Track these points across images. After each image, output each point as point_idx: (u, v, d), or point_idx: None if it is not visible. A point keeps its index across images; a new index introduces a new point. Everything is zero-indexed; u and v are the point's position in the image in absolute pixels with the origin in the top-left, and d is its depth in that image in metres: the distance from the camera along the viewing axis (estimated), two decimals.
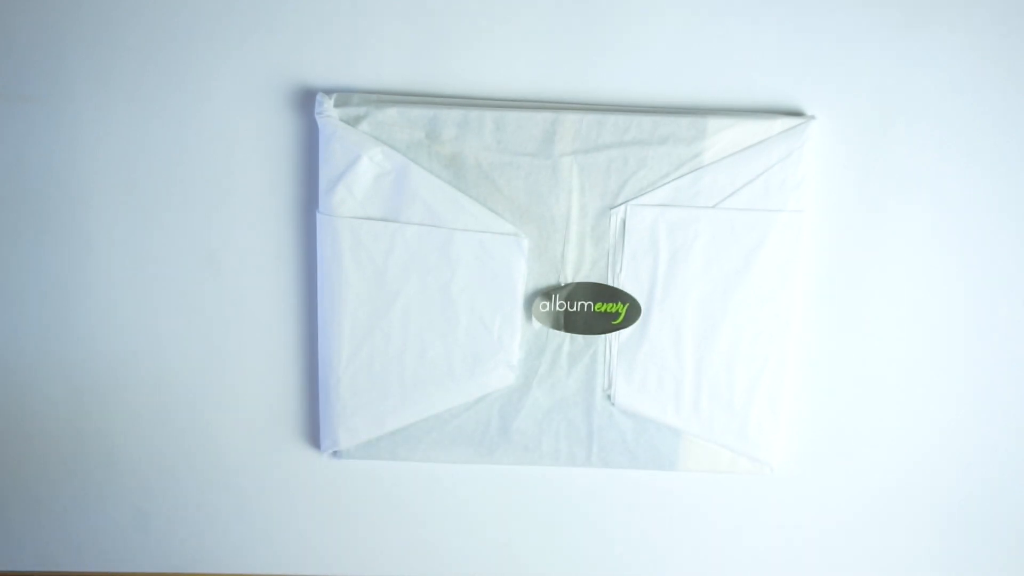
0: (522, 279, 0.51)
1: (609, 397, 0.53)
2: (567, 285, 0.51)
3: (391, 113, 0.48)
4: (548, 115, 0.49)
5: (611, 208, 0.50)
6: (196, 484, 0.57)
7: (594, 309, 0.51)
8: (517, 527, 0.58)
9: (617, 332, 0.52)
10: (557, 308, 0.51)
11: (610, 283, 0.51)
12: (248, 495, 0.57)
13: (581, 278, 0.51)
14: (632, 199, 0.50)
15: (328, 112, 0.48)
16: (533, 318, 0.51)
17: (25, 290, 0.53)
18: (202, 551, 0.59)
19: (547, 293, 0.51)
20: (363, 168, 0.49)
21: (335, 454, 0.54)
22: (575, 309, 0.51)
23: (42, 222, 0.52)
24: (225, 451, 0.56)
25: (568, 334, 0.52)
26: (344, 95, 0.49)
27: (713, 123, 0.49)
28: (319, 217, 0.50)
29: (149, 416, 0.55)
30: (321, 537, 0.58)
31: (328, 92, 0.49)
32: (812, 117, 0.49)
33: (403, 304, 0.51)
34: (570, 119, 0.49)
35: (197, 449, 0.56)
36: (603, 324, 0.52)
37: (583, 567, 0.59)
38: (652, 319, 0.52)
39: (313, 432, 0.55)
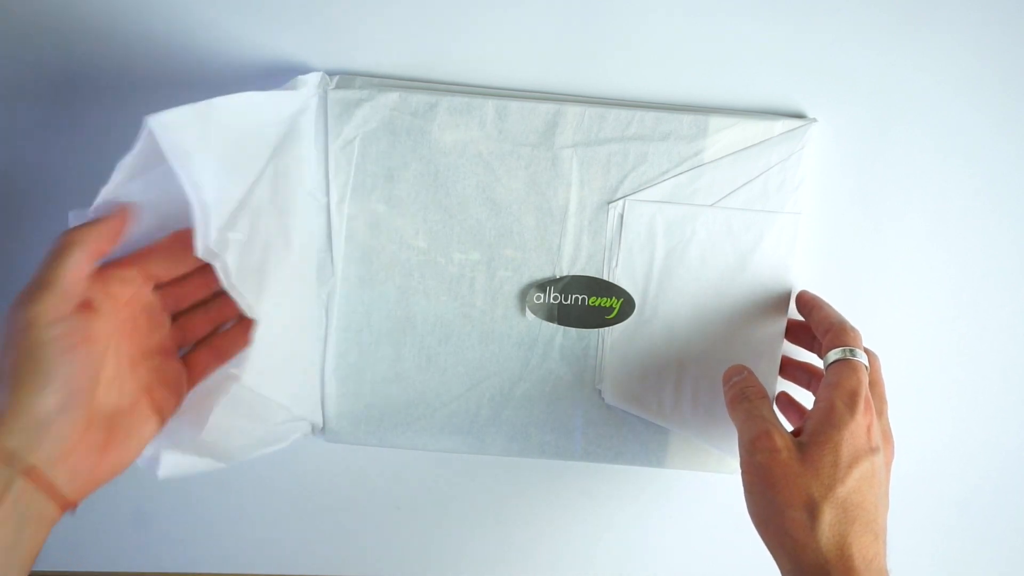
0: None
1: (599, 392, 0.53)
2: (562, 278, 0.51)
3: (393, 97, 0.48)
4: (551, 106, 0.49)
5: (609, 203, 0.50)
6: (196, 484, 0.56)
7: (588, 303, 0.51)
8: (504, 518, 0.58)
9: (610, 327, 0.52)
10: (551, 300, 0.51)
11: (605, 278, 0.51)
12: (248, 494, 0.57)
13: (577, 271, 0.51)
14: (631, 194, 0.50)
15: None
16: (527, 309, 0.51)
17: None
18: (202, 551, 0.58)
19: (542, 285, 0.51)
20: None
21: (324, 432, 0.54)
22: (569, 302, 0.51)
23: (42, 223, 0.51)
24: None
25: (561, 327, 0.52)
26: (346, 78, 0.48)
27: (715, 121, 0.49)
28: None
29: None
30: (321, 537, 0.58)
31: (331, 74, 0.48)
32: (814, 120, 0.49)
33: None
34: (572, 111, 0.49)
35: None
36: (597, 318, 0.52)
37: (572, 563, 0.59)
38: (645, 315, 0.51)
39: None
